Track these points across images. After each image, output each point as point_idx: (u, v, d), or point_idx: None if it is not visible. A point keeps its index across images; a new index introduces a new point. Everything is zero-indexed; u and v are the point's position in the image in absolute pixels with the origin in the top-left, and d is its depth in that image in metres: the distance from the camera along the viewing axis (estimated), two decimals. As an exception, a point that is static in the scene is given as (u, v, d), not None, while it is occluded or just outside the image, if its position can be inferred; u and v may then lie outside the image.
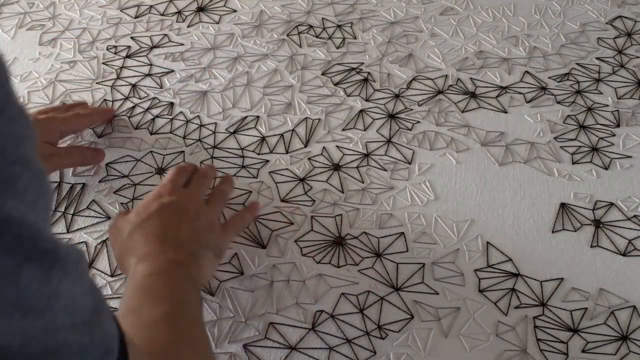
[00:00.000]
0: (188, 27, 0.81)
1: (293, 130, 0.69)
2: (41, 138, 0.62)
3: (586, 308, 0.56)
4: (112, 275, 0.59)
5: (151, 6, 0.84)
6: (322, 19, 0.81)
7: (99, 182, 0.65)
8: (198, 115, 0.71)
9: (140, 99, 0.73)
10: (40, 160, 0.64)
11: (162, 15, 0.83)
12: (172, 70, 0.76)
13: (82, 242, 0.61)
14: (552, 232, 0.60)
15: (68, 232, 0.62)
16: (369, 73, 0.74)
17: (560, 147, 0.67)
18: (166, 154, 0.67)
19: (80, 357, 0.25)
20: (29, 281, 0.23)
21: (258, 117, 0.70)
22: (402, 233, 0.61)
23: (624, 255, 0.59)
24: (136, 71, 0.76)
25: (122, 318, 0.45)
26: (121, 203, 0.63)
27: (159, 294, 0.47)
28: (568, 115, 0.70)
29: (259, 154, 0.67)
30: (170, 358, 0.43)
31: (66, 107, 0.68)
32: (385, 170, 0.66)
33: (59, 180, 0.66)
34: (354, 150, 0.67)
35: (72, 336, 0.25)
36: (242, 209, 0.61)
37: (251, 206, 0.61)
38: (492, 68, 0.75)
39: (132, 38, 0.80)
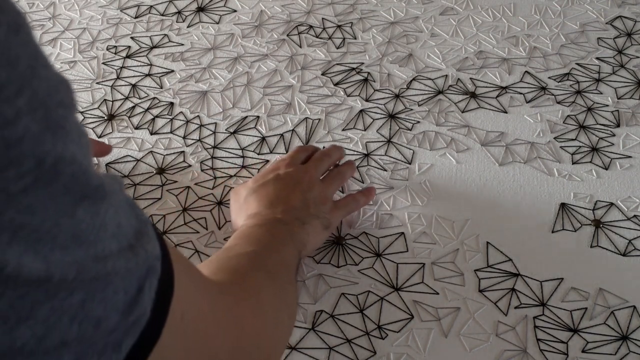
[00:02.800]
0: (188, 27, 0.81)
1: (293, 130, 0.69)
2: None
3: (586, 308, 0.56)
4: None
5: (151, 6, 0.84)
6: (322, 19, 0.81)
7: (99, 182, 0.65)
8: (198, 115, 0.71)
9: (140, 99, 0.73)
10: None
11: (162, 15, 0.83)
12: (172, 70, 0.76)
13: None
14: (552, 232, 0.60)
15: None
16: (369, 73, 0.74)
17: (560, 147, 0.67)
18: (166, 154, 0.67)
19: (127, 279, 0.27)
20: (84, 216, 0.24)
21: (258, 117, 0.71)
22: (402, 233, 0.61)
23: (624, 255, 0.59)
24: (136, 71, 0.76)
25: (217, 254, 0.49)
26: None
27: (255, 240, 0.50)
28: (568, 115, 0.70)
29: (259, 154, 0.67)
30: (248, 279, 0.45)
31: None
32: (385, 170, 0.66)
33: (59, 180, 0.66)
34: (354, 150, 0.67)
35: (119, 262, 0.26)
36: (358, 192, 0.61)
37: (367, 191, 0.62)
38: (492, 68, 0.75)
39: (132, 38, 0.80)
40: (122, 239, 0.27)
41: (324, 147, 0.64)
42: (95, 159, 0.67)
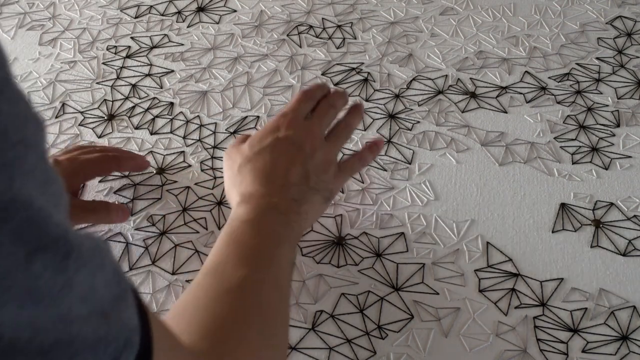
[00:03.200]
0: (188, 27, 0.81)
1: (293, 130, 0.69)
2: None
3: (586, 308, 0.56)
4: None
5: (151, 6, 0.84)
6: (322, 19, 0.81)
7: (99, 182, 0.65)
8: (198, 115, 0.71)
9: (140, 99, 0.73)
10: None
11: (162, 15, 0.83)
12: (172, 70, 0.76)
13: (82, 242, 0.61)
14: (552, 232, 0.60)
15: (68, 232, 0.62)
16: (369, 73, 0.74)
17: (560, 147, 0.67)
18: (166, 154, 0.67)
19: (96, 349, 0.24)
20: (42, 270, 0.22)
21: (258, 117, 0.70)
22: (402, 233, 0.61)
23: (624, 255, 0.59)
24: (136, 71, 0.76)
25: (205, 272, 0.44)
26: (121, 203, 0.63)
27: (247, 250, 0.46)
28: (568, 115, 0.70)
29: (259, 154, 0.67)
30: (230, 340, 0.41)
31: (94, 147, 0.63)
32: (385, 170, 0.66)
33: (59, 180, 0.66)
34: (354, 150, 0.67)
35: (87, 327, 0.24)
36: (363, 147, 0.57)
37: (374, 144, 0.57)
38: (492, 68, 0.75)
39: (132, 38, 0.80)
40: (95, 304, 0.24)
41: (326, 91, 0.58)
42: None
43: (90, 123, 0.70)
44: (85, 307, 0.24)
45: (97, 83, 0.75)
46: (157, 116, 0.71)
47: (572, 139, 0.68)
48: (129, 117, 0.71)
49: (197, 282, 0.45)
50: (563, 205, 0.62)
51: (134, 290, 0.29)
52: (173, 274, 0.59)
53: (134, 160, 0.63)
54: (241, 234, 0.47)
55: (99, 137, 0.69)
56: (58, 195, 0.23)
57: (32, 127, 0.22)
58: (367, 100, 0.72)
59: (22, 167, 0.21)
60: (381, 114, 0.70)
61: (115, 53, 0.78)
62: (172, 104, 0.72)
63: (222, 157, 0.67)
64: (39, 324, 0.22)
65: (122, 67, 0.76)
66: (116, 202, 0.62)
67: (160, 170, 0.66)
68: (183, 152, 0.68)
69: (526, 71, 0.74)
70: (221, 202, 0.63)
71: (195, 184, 0.65)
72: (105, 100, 0.73)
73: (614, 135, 0.68)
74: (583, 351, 0.53)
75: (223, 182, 0.64)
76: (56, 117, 0.71)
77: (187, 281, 0.58)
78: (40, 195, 0.22)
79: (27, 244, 0.21)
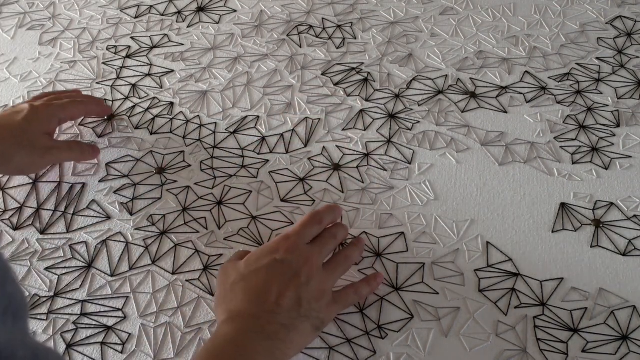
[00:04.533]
0: (188, 27, 0.81)
1: (293, 130, 0.69)
2: (40, 128, 0.62)
3: (586, 308, 0.56)
4: (112, 275, 0.59)
5: (151, 6, 0.84)
6: (322, 19, 0.81)
7: (99, 182, 0.65)
8: (198, 115, 0.71)
9: (140, 98, 0.73)
10: (40, 152, 0.62)
11: (162, 15, 0.83)
12: (172, 70, 0.76)
13: (82, 242, 0.61)
14: (552, 232, 0.60)
15: (68, 232, 0.62)
16: (369, 73, 0.74)
17: (560, 147, 0.67)
18: (166, 154, 0.67)
19: None
20: None
21: (258, 117, 0.70)
22: (402, 233, 0.61)
23: (624, 255, 0.59)
24: (136, 71, 0.76)
25: None
26: (121, 203, 0.63)
27: None
28: (568, 115, 0.70)
29: (259, 154, 0.67)
30: None
31: (60, 93, 0.68)
32: (385, 170, 0.66)
33: (58, 180, 0.66)
34: (354, 150, 0.67)
35: None
36: (363, 279, 0.56)
37: (372, 278, 0.56)
38: (492, 68, 0.75)
39: (132, 38, 0.80)
40: (29, 347, 0.25)
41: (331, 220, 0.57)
42: (95, 158, 0.67)
43: (90, 123, 0.70)
44: (23, 350, 0.25)
45: (97, 83, 0.75)
46: (157, 116, 0.71)
47: (572, 139, 0.68)
48: (129, 117, 0.71)
49: None
50: (563, 205, 0.62)
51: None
52: (173, 273, 0.59)
53: (98, 106, 0.69)
54: (222, 354, 0.46)
55: (99, 136, 0.69)
56: (20, 329, 0.24)
57: None
58: (367, 100, 0.72)
59: None
60: (381, 114, 0.70)
61: (115, 53, 0.78)
62: (172, 103, 0.72)
63: (222, 157, 0.67)
64: None
65: (122, 67, 0.76)
66: (90, 143, 0.68)
67: (160, 170, 0.66)
68: (183, 152, 0.68)
69: (526, 71, 0.74)
70: (221, 202, 0.63)
71: (195, 183, 0.65)
72: (105, 100, 0.73)
73: (614, 135, 0.68)
74: (583, 351, 0.53)
75: (223, 182, 0.65)
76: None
77: (188, 281, 0.58)
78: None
79: None
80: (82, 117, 0.70)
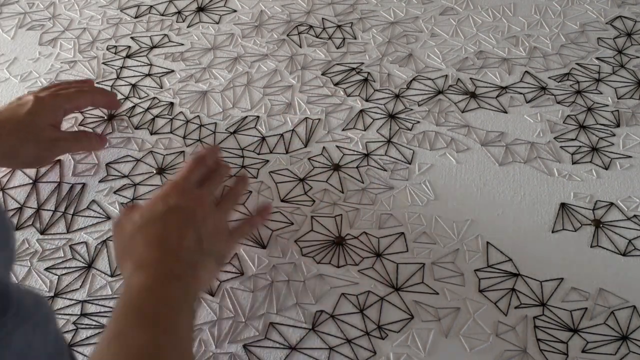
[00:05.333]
0: (188, 27, 0.81)
1: (293, 130, 0.69)
2: (45, 120, 0.62)
3: (586, 308, 0.56)
4: (112, 276, 0.59)
5: (151, 6, 0.84)
6: (322, 19, 0.81)
7: (99, 182, 0.65)
8: (198, 115, 0.71)
9: (140, 99, 0.73)
10: (47, 146, 0.62)
11: (162, 15, 0.83)
12: (172, 70, 0.76)
13: (82, 242, 0.61)
14: (552, 232, 0.61)
15: (68, 232, 0.62)
16: (369, 73, 0.74)
17: (560, 147, 0.67)
18: (166, 154, 0.67)
19: None
20: None
21: (258, 117, 0.70)
22: (402, 233, 0.61)
23: (624, 255, 0.59)
24: (136, 71, 0.76)
25: (108, 342, 0.44)
26: (121, 203, 0.63)
27: (148, 317, 0.45)
28: (568, 115, 0.70)
29: (259, 154, 0.67)
30: None
31: (68, 83, 0.68)
32: (385, 170, 0.66)
33: (59, 180, 0.66)
34: (354, 150, 0.67)
35: None
36: (252, 213, 0.59)
37: (262, 210, 0.59)
38: (492, 68, 0.75)
39: (132, 38, 0.80)
40: None
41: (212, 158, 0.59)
42: (95, 158, 0.67)
43: (90, 123, 0.70)
44: None
45: (97, 83, 0.75)
46: (157, 116, 0.71)
47: (572, 139, 0.68)
48: (129, 117, 0.71)
49: (101, 351, 0.44)
50: (563, 205, 0.62)
51: (69, 350, 0.29)
52: (173, 274, 0.59)
53: (106, 97, 0.67)
54: (140, 301, 0.46)
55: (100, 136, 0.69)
56: (8, 260, 0.24)
57: None
58: (367, 100, 0.72)
59: None
60: (381, 114, 0.70)
61: (115, 53, 0.78)
62: (172, 104, 0.72)
63: (222, 157, 0.67)
64: None
65: (122, 67, 0.76)
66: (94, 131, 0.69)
67: (160, 170, 0.66)
68: (183, 152, 0.68)
69: (526, 71, 0.74)
70: (221, 202, 0.63)
71: (195, 184, 0.65)
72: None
73: (614, 135, 0.68)
74: (583, 351, 0.53)
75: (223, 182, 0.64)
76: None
77: (187, 281, 0.58)
78: None
79: None
80: (89, 108, 0.69)
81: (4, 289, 0.23)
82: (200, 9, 0.83)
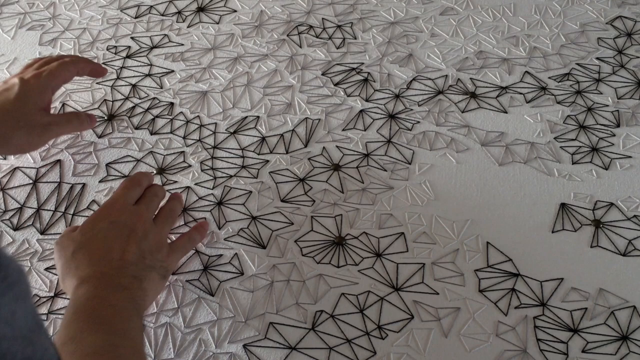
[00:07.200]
0: (188, 27, 0.81)
1: (293, 130, 0.69)
2: (34, 105, 0.61)
3: (586, 308, 0.56)
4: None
5: (151, 6, 0.84)
6: (322, 19, 0.81)
7: (99, 182, 0.65)
8: (198, 115, 0.71)
9: (140, 99, 0.73)
10: (39, 131, 0.61)
11: (162, 15, 0.83)
12: (172, 70, 0.76)
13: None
14: (552, 232, 0.61)
15: (68, 232, 0.62)
16: (369, 73, 0.74)
17: (560, 147, 0.67)
18: (166, 154, 0.67)
19: None
20: None
21: (258, 117, 0.71)
22: (402, 233, 0.61)
23: (624, 255, 0.59)
24: (136, 71, 0.76)
25: (61, 347, 0.43)
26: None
27: (100, 320, 0.45)
28: (568, 115, 0.70)
29: (259, 154, 0.67)
30: None
31: (50, 57, 0.66)
32: (385, 170, 0.66)
33: (59, 180, 0.66)
34: (354, 151, 0.67)
35: (14, 347, 0.25)
36: (191, 229, 0.59)
37: (200, 226, 0.59)
38: (492, 68, 0.75)
39: (132, 38, 0.80)
40: (18, 329, 0.25)
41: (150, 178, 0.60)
42: (95, 158, 0.67)
43: (90, 123, 0.70)
44: (10, 329, 0.25)
45: (97, 83, 0.75)
46: (157, 116, 0.71)
47: (572, 139, 0.68)
48: (129, 117, 0.71)
49: None
50: (563, 205, 0.62)
51: (46, 330, 0.29)
52: (173, 274, 0.59)
53: (90, 64, 0.67)
54: (89, 309, 0.46)
55: (99, 137, 0.69)
56: None
57: None
58: (367, 100, 0.72)
59: None
60: (381, 114, 0.70)
61: (115, 53, 0.78)
62: (172, 104, 0.72)
63: (222, 157, 0.67)
64: None
65: (122, 67, 0.76)
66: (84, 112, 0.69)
67: (160, 170, 0.66)
68: (183, 152, 0.68)
69: (526, 71, 0.74)
70: (221, 202, 0.63)
71: (195, 184, 0.65)
72: (105, 100, 0.73)
73: (614, 135, 0.68)
74: (583, 351, 0.53)
75: (223, 182, 0.64)
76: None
77: (188, 281, 0.58)
78: None
79: None
80: (75, 78, 0.68)
81: None
82: (200, 9, 0.83)
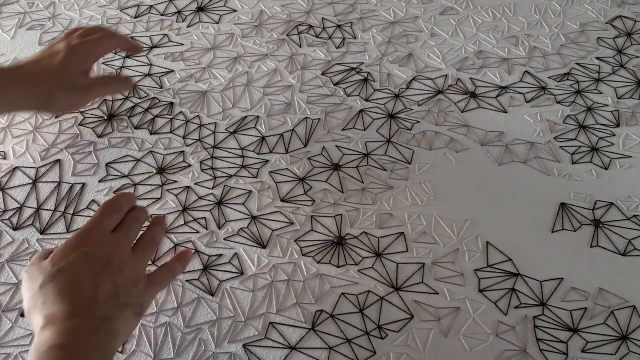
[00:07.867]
0: (188, 27, 0.81)
1: (293, 130, 0.69)
2: (78, 69, 0.64)
3: (586, 308, 0.56)
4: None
5: (151, 6, 0.84)
6: (322, 19, 0.81)
7: (99, 182, 0.65)
8: (198, 115, 0.71)
9: (140, 99, 0.73)
10: (81, 93, 0.63)
11: (162, 15, 0.83)
12: (172, 70, 0.76)
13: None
14: (552, 232, 0.61)
15: (68, 232, 0.62)
16: (369, 73, 0.74)
17: (560, 147, 0.67)
18: (166, 154, 0.67)
19: None
20: None
21: (258, 117, 0.71)
22: (402, 233, 0.61)
23: (623, 255, 0.59)
24: (136, 71, 0.76)
25: None
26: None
27: None
28: (568, 115, 0.70)
29: (259, 154, 0.67)
30: None
31: (91, 28, 0.68)
32: (385, 170, 0.66)
33: (59, 180, 0.66)
34: (353, 150, 0.67)
35: None
36: (173, 259, 0.56)
37: (182, 255, 0.56)
38: (492, 68, 0.75)
39: (132, 38, 0.80)
40: None
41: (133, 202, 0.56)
42: (95, 158, 0.67)
43: (90, 123, 0.70)
44: None
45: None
46: (157, 116, 0.71)
47: (572, 139, 0.68)
48: (129, 117, 0.71)
49: None
50: (563, 205, 0.62)
51: None
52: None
53: (129, 42, 0.70)
54: None
55: (99, 137, 0.69)
56: None
57: None
58: (367, 100, 0.72)
59: None
60: (381, 114, 0.70)
61: (115, 53, 0.78)
62: (172, 104, 0.72)
63: (222, 157, 0.67)
64: None
65: (122, 67, 0.76)
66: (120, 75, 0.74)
67: (160, 170, 0.66)
68: (183, 152, 0.68)
69: (526, 71, 0.74)
70: (221, 202, 0.63)
71: (195, 184, 0.65)
72: (105, 100, 0.73)
73: (614, 135, 0.68)
74: (583, 351, 0.53)
75: (223, 182, 0.64)
76: (56, 117, 0.71)
77: (188, 281, 0.58)
78: None
79: None
80: (88, 107, 0.71)
81: None
82: (200, 9, 0.83)
